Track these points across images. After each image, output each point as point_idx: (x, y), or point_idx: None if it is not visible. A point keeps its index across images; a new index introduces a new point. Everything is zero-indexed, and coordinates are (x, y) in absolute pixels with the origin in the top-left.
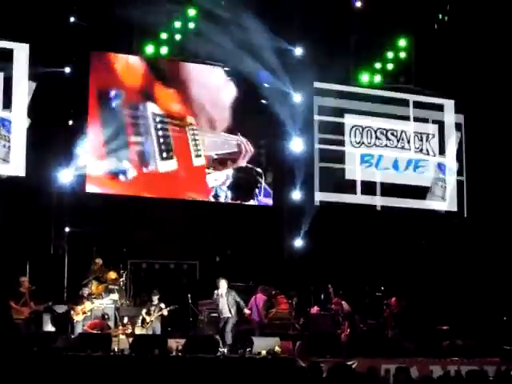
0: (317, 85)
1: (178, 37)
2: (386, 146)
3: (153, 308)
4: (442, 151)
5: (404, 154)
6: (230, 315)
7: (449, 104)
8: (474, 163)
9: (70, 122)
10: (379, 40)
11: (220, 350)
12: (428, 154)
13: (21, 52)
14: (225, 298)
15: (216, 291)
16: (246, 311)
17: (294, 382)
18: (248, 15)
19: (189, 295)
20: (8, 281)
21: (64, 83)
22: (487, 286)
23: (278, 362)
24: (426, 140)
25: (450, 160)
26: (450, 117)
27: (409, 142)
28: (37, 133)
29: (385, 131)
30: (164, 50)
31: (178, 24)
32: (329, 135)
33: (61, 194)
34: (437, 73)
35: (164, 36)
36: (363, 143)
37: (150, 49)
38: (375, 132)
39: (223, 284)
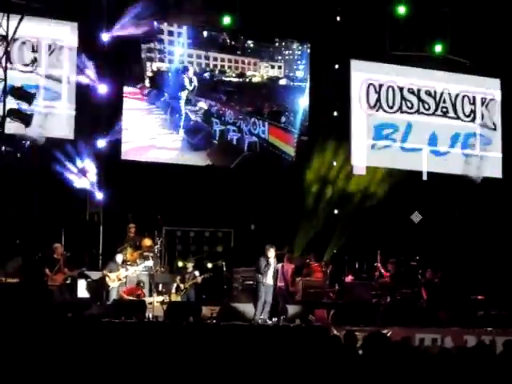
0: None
1: None
2: (418, 111)
3: (187, 275)
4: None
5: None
6: (272, 284)
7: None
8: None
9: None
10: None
11: (254, 318)
12: (486, 126)
13: None
14: (272, 266)
15: (264, 258)
16: (279, 284)
17: (328, 350)
18: None
19: (223, 263)
20: (43, 248)
21: None
22: None
23: (312, 331)
24: (483, 105)
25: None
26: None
27: (454, 105)
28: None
29: (416, 90)
30: None
31: None
32: None
33: (97, 161)
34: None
35: None
36: (381, 107)
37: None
38: (401, 91)
39: (272, 252)
